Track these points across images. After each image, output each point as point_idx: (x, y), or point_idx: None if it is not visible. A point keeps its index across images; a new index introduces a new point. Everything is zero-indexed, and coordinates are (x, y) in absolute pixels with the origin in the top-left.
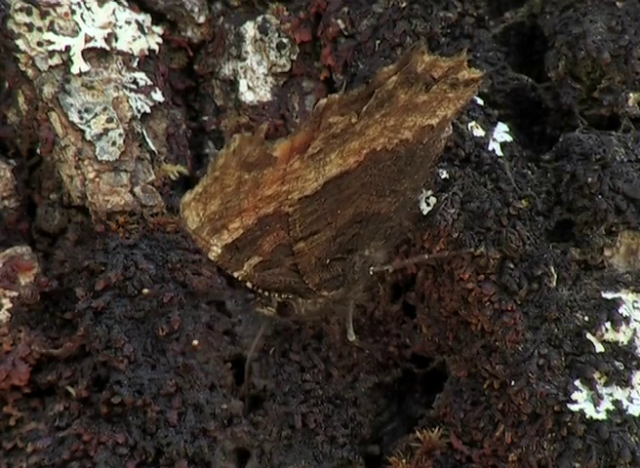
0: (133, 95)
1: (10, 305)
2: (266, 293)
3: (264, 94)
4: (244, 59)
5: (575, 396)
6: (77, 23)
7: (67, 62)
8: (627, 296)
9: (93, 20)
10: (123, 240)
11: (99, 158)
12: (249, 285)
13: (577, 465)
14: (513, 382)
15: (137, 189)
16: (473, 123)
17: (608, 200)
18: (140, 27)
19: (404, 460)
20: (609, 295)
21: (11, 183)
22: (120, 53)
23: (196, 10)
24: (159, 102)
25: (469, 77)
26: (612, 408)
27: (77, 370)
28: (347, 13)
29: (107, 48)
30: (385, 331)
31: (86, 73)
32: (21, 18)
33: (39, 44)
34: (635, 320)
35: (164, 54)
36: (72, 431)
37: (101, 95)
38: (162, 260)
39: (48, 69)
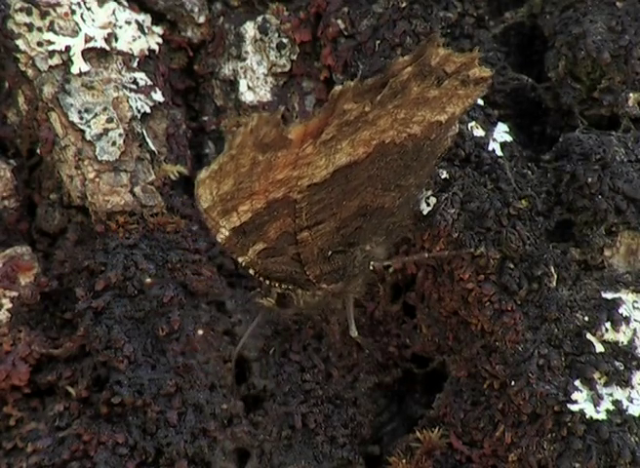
0: (133, 95)
1: (10, 305)
2: (267, 282)
3: (264, 94)
4: (244, 59)
5: (575, 396)
6: (77, 23)
7: (67, 62)
8: (627, 296)
9: (93, 20)
10: (123, 240)
11: (99, 158)
12: (251, 272)
13: (577, 465)
14: (513, 382)
15: (137, 189)
16: (473, 123)
17: (608, 200)
18: (140, 27)
19: (404, 460)
20: (609, 295)
21: (11, 183)
22: (120, 53)
23: (196, 10)
24: (159, 102)
25: (480, 75)
26: (612, 408)
27: (77, 370)
28: (347, 13)
29: (107, 48)
30: (385, 331)
31: (86, 73)
32: (21, 18)
33: (39, 44)
34: (635, 320)
35: (164, 54)
36: (72, 431)
37: (101, 95)
38: (162, 260)
39: (48, 69)
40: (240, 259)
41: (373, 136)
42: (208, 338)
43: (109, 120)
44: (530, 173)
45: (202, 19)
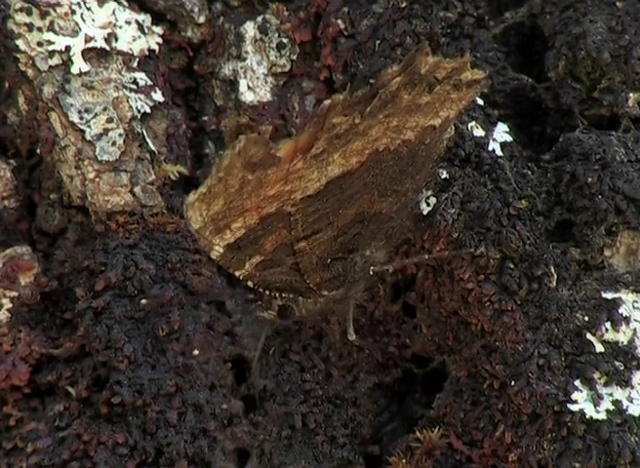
0: (133, 95)
1: (10, 305)
2: (267, 293)
3: (264, 94)
4: (244, 59)
5: (575, 396)
6: (77, 23)
7: (67, 62)
8: (627, 296)
9: (93, 20)
10: (123, 240)
11: (99, 158)
12: (250, 284)
13: (577, 465)
14: (513, 382)
15: (137, 189)
16: (473, 123)
17: (608, 200)
18: (140, 27)
19: (404, 460)
20: (609, 295)
21: (11, 183)
22: (120, 53)
23: (196, 10)
24: (159, 102)
25: (472, 78)
26: (612, 408)
27: (77, 370)
28: (347, 13)
29: (107, 48)
30: (385, 331)
31: (86, 73)
32: (21, 18)
33: (39, 44)
34: (635, 320)
35: (164, 54)
36: (72, 431)
37: (101, 95)
38: (162, 260)
39: (48, 69)
40: (237, 273)
41: (365, 145)
42: (208, 338)
43: (109, 120)
44: (530, 173)
45: (202, 19)
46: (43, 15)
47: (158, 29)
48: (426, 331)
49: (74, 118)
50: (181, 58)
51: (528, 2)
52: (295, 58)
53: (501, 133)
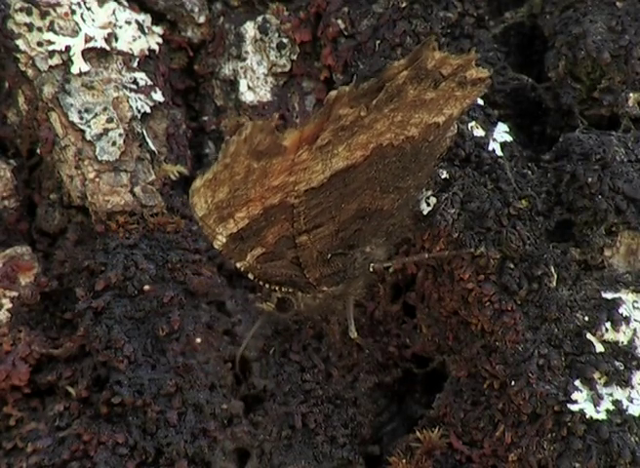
0: (133, 95)
1: (10, 305)
2: (267, 286)
3: (264, 94)
4: (244, 59)
5: (575, 396)
6: (77, 23)
7: (67, 62)
8: (627, 296)
9: (93, 20)
10: (123, 240)
11: (99, 158)
12: (250, 276)
13: (577, 465)
14: (513, 382)
15: (137, 189)
16: (473, 123)
17: (608, 200)
18: (140, 27)
19: (404, 460)
20: (609, 295)
21: (11, 183)
22: (120, 53)
23: (196, 10)
24: (159, 102)
25: (477, 76)
26: (612, 408)
27: (77, 370)
28: (347, 13)
29: (107, 48)
30: (385, 331)
31: (86, 73)
32: (21, 18)
33: (39, 44)
34: (635, 320)
35: (164, 54)
36: (72, 431)
37: (101, 95)
38: (162, 260)
39: (48, 69)
40: (238, 264)
41: (370, 139)
42: (208, 338)
43: (109, 120)
44: (530, 173)
45: (202, 19)
46: (43, 15)
47: (158, 29)
48: (426, 331)
49: (74, 118)
50: (181, 58)
51: (528, 2)
52: (295, 58)
53: (501, 133)
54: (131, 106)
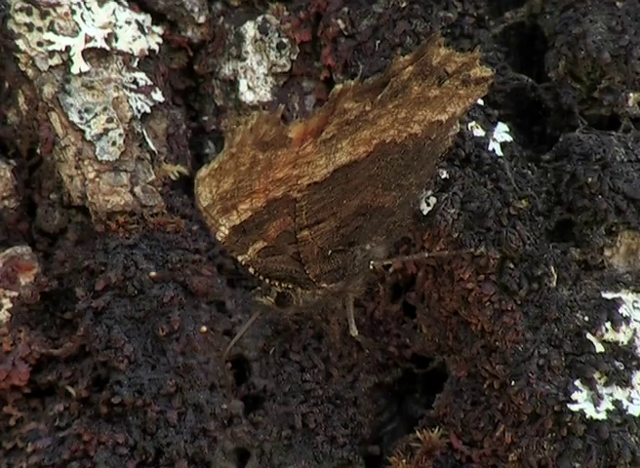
0: (133, 95)
1: (10, 305)
2: (267, 281)
3: (264, 94)
4: (244, 59)
5: (575, 396)
6: (77, 23)
7: (67, 62)
8: (627, 296)
9: (93, 20)
10: (123, 240)
11: (99, 158)
12: (251, 270)
13: (577, 465)
14: (513, 382)
15: (137, 189)
16: (473, 123)
17: (608, 200)
18: (140, 27)
19: (404, 460)
20: (609, 295)
21: (11, 183)
22: (120, 53)
23: (196, 10)
24: (159, 102)
25: (481, 75)
26: (612, 408)
27: (77, 370)
28: (347, 13)
29: (107, 48)
30: (385, 331)
31: (86, 73)
32: (21, 18)
33: (39, 44)
34: (635, 320)
35: (164, 54)
36: (72, 431)
37: (101, 95)
38: (162, 260)
39: (48, 69)
40: (240, 258)
41: (373, 135)
42: (208, 338)
43: (109, 120)
44: (530, 173)
45: (202, 19)
46: (43, 15)
47: (158, 29)
48: (426, 331)
49: (74, 118)
50: (181, 58)
51: (528, 2)
52: (295, 58)
53: (501, 133)
54: (131, 106)
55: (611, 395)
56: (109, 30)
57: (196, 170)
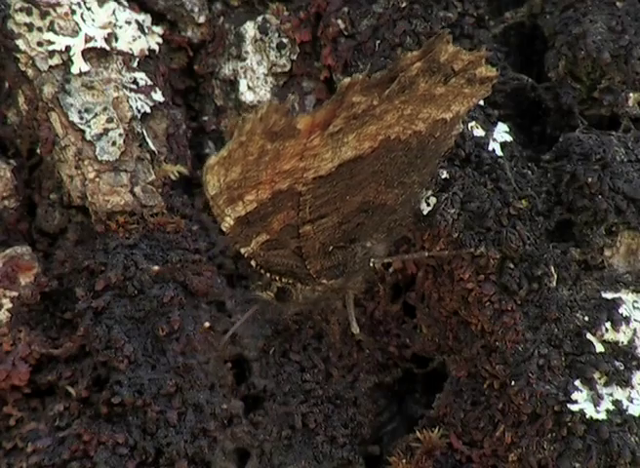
0: (133, 95)
1: (10, 305)
2: (268, 275)
3: (264, 94)
4: (244, 59)
5: (575, 396)
6: (77, 23)
7: (67, 62)
8: (627, 296)
9: (93, 20)
10: (123, 240)
11: (99, 158)
12: (253, 263)
13: (577, 465)
14: (513, 382)
15: (137, 189)
16: (473, 123)
17: (608, 200)
18: (140, 27)
19: (404, 460)
20: (609, 295)
21: (11, 183)
22: (120, 53)
23: (196, 10)
24: (159, 102)
25: (486, 74)
26: (612, 408)
27: (77, 370)
28: (347, 13)
29: (107, 48)
30: (385, 331)
31: (86, 73)
32: (21, 18)
33: (39, 44)
34: (635, 320)
35: (164, 54)
36: (72, 431)
37: (101, 95)
38: (162, 260)
39: (48, 69)
40: (243, 250)
41: (379, 130)
42: (208, 338)
43: (109, 120)
44: (530, 173)
45: (202, 19)
46: (43, 15)
47: (158, 29)
48: (426, 331)
49: (74, 118)
50: (181, 58)
51: (528, 2)
52: (295, 58)
53: (501, 133)
54: (131, 106)
55: (611, 395)
56: (109, 30)
57: (196, 170)
